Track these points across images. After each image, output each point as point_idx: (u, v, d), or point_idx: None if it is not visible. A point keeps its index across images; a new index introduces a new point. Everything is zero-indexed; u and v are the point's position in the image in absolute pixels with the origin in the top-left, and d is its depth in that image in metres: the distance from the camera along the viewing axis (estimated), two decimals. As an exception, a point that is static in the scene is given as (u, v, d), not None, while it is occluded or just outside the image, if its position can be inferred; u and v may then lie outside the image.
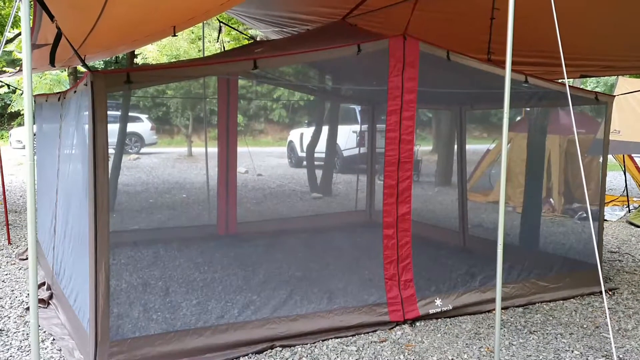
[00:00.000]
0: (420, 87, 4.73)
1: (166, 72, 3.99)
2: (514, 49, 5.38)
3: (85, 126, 3.89)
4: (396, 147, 4.67)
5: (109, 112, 3.66)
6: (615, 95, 6.08)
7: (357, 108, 14.98)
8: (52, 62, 5.03)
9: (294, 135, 17.20)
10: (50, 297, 5.11)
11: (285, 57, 4.44)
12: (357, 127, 14.35)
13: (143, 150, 19.51)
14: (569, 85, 5.62)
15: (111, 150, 11.78)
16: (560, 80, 6.36)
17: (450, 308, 4.91)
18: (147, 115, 20.41)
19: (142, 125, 19.41)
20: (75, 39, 4.69)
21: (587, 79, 25.56)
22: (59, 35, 3.80)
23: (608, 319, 3.77)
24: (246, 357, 4.03)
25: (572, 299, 5.43)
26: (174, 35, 5.48)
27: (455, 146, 8.22)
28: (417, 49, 4.63)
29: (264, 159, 19.21)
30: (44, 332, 4.42)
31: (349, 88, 8.16)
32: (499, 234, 3.79)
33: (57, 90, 11.99)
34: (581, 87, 12.22)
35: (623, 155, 10.02)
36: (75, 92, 4.44)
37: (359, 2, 5.40)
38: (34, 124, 2.83)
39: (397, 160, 4.69)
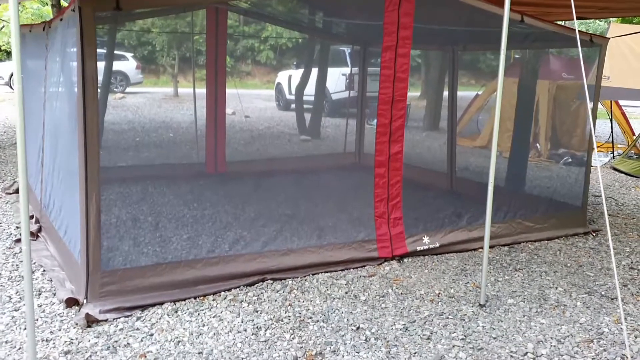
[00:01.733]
0: (416, 24, 4.66)
1: None
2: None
3: (73, 63, 3.80)
4: (390, 84, 4.63)
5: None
6: (609, 38, 6.03)
7: (347, 50, 14.77)
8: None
9: (281, 77, 16.97)
10: (39, 230, 5.10)
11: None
12: (346, 70, 14.18)
13: (128, 89, 19.20)
14: (564, 26, 5.58)
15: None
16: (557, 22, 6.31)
17: (438, 245, 4.98)
18: (132, 54, 19.99)
19: (127, 64, 19.02)
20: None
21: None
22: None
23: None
24: (237, 289, 4.08)
25: (556, 239, 5.54)
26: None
27: (446, 92, 8.16)
28: (414, -17, 4.54)
29: (252, 101, 19.00)
30: (34, 263, 4.43)
31: (341, 21, 7.99)
32: (490, 172, 3.81)
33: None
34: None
35: (610, 102, 10.05)
36: (61, 19, 4.30)
37: None
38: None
39: (390, 99, 4.65)
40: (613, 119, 10.25)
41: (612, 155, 9.99)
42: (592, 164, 9.61)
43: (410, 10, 4.56)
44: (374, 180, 4.76)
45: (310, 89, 11.94)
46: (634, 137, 9.77)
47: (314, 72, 11.74)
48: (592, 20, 15.87)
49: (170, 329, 3.49)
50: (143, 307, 3.75)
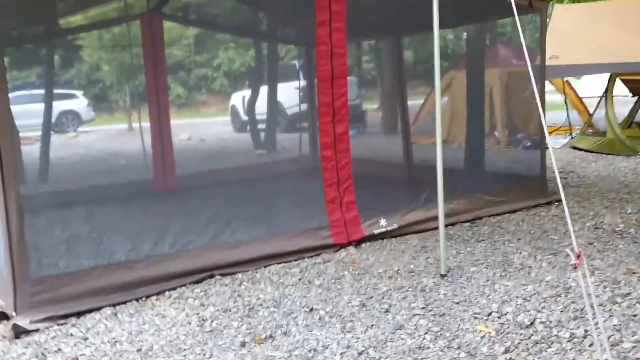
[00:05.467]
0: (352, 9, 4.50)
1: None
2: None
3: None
4: (328, 61, 4.44)
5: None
6: (550, 1, 5.98)
7: (297, 63, 14.67)
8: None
9: (235, 99, 16.72)
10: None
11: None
12: (298, 84, 14.07)
13: (81, 128, 18.76)
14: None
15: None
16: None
17: (396, 227, 4.77)
18: (82, 92, 19.59)
19: (77, 102, 18.60)
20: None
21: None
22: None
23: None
24: (184, 287, 3.79)
25: (519, 211, 5.37)
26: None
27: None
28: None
29: (209, 127, 18.76)
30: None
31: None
32: (437, 143, 3.64)
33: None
34: None
35: (563, 85, 10.08)
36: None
37: None
38: None
39: (330, 76, 4.46)
40: (568, 102, 10.27)
41: (570, 137, 9.97)
42: (550, 145, 9.64)
43: (341, -17, 4.41)
44: (321, 164, 4.55)
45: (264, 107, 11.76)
46: (589, 116, 9.79)
47: (264, 88, 11.59)
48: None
49: (107, 331, 3.18)
50: (79, 314, 3.44)
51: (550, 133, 10.48)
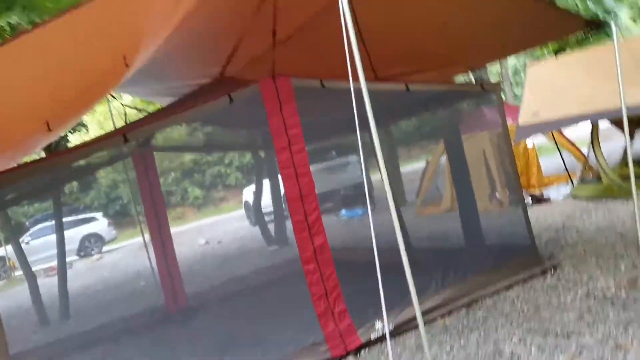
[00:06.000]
0: (306, 119, 4.75)
1: (29, 170, 3.94)
2: (398, 59, 5.49)
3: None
4: (295, 182, 4.65)
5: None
6: (499, 82, 6.17)
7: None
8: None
9: (247, 194, 17.13)
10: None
11: (157, 123, 4.43)
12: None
13: (106, 248, 19.21)
14: (453, 83, 5.74)
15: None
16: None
17: (392, 328, 4.81)
18: (101, 213, 20.21)
19: (99, 224, 19.17)
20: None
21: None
22: None
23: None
24: None
25: (514, 286, 5.38)
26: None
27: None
28: (289, 85, 4.67)
29: (227, 224, 19.09)
30: None
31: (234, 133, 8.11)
32: (399, 242, 3.76)
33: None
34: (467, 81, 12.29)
35: (552, 134, 10.16)
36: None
37: (229, 56, 5.43)
38: None
39: (298, 195, 4.66)
40: (562, 149, 10.32)
41: (571, 184, 9.97)
42: (552, 198, 9.65)
43: (293, 110, 4.65)
44: (306, 280, 4.67)
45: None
46: (585, 159, 9.81)
47: (267, 182, 11.87)
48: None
49: None
50: None
51: (553, 182, 10.50)
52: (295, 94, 4.73)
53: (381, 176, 3.98)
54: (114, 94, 8.04)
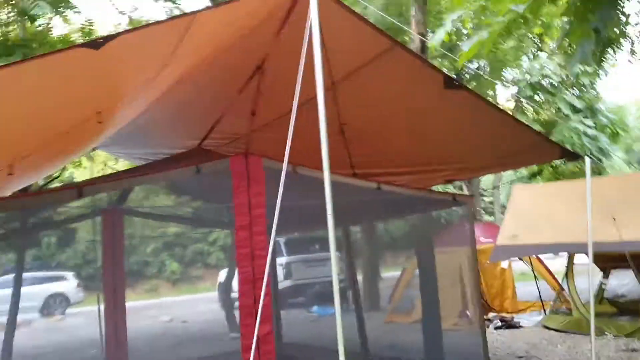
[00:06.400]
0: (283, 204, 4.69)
1: None
2: (376, 160, 5.51)
3: None
4: (249, 263, 4.55)
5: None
6: (472, 196, 6.20)
7: (282, 240, 14.93)
8: None
9: (222, 275, 16.85)
10: None
11: (114, 183, 4.39)
12: (282, 260, 14.18)
13: (70, 310, 18.62)
14: (425, 190, 5.75)
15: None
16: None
17: None
18: (73, 273, 19.73)
19: (67, 284, 18.68)
20: None
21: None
22: None
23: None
24: None
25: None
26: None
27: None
28: (260, 165, 4.67)
29: (198, 304, 18.62)
30: None
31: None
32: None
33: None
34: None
35: (530, 260, 10.11)
36: None
37: (209, 131, 5.50)
38: None
39: (251, 278, 4.54)
40: (538, 276, 10.23)
41: (544, 312, 9.80)
42: (523, 324, 9.44)
43: (261, 190, 4.63)
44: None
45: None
46: (560, 289, 9.71)
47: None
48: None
49: None
50: None
51: (525, 309, 10.32)
52: (269, 177, 4.72)
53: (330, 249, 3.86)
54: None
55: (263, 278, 4.56)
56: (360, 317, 7.11)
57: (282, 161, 4.82)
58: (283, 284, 13.52)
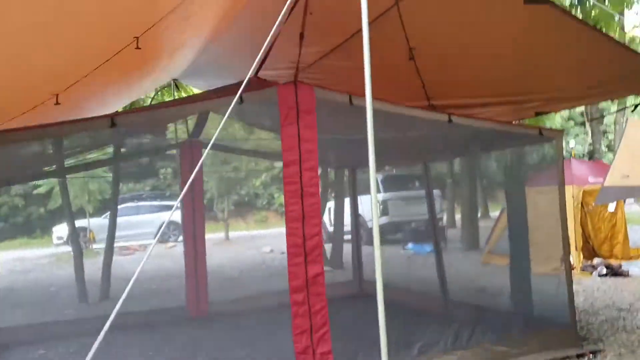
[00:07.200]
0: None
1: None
2: (454, 90, 4.98)
3: None
4: (298, 200, 4.25)
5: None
6: (563, 130, 5.43)
7: (380, 176, 14.57)
8: None
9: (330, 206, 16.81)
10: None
11: (148, 112, 4.19)
12: (379, 196, 13.89)
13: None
14: (504, 122, 5.11)
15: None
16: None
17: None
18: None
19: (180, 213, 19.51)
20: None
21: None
22: None
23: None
24: None
25: (538, 366, 4.64)
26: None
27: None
28: (312, 95, 4.28)
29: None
30: None
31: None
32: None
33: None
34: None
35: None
36: None
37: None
38: None
39: (300, 216, 4.25)
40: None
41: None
42: (632, 273, 8.53)
43: (312, 122, 4.26)
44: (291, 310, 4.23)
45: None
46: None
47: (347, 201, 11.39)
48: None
49: None
50: None
51: (637, 257, 9.36)
52: (322, 109, 4.34)
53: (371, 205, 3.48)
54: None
55: (313, 216, 4.29)
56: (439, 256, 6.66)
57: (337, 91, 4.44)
58: (381, 220, 13.30)
